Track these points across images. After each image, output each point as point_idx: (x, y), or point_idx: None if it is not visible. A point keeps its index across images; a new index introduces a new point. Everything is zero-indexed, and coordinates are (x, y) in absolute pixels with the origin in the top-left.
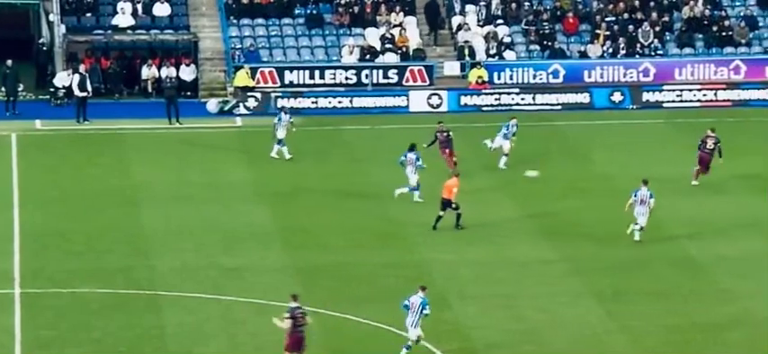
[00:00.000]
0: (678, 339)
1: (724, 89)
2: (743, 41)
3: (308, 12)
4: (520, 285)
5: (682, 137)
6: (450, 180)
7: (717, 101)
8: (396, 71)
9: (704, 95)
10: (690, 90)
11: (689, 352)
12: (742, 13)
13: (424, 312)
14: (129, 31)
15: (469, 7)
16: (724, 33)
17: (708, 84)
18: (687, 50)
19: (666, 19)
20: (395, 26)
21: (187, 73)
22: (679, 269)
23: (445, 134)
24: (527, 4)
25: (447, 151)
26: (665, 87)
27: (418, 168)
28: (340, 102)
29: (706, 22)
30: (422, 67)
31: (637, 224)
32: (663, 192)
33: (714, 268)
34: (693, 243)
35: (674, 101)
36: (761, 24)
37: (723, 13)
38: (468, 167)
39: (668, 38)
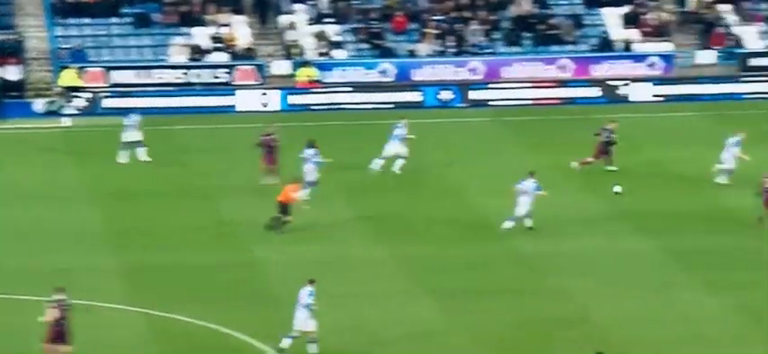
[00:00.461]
0: (517, 336)
1: (551, 87)
2: (569, 39)
3: (136, 11)
4: (355, 284)
5: (510, 134)
6: (290, 184)
7: (545, 98)
8: (225, 70)
9: (532, 93)
10: (518, 88)
11: (528, 350)
12: (568, 12)
13: (310, 302)
14: None
15: (298, 6)
16: (551, 31)
17: (535, 81)
18: (515, 49)
19: (494, 17)
20: (223, 25)
21: (13, 73)
22: (516, 267)
23: (270, 138)
24: (356, 2)
25: (270, 158)
26: (492, 85)
27: (318, 165)
28: (169, 102)
29: (533, 21)
30: (251, 66)
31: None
32: (491, 190)
33: (551, 265)
34: (529, 240)
35: (502, 100)
36: (587, 22)
37: (550, 12)
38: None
39: (496, 36)
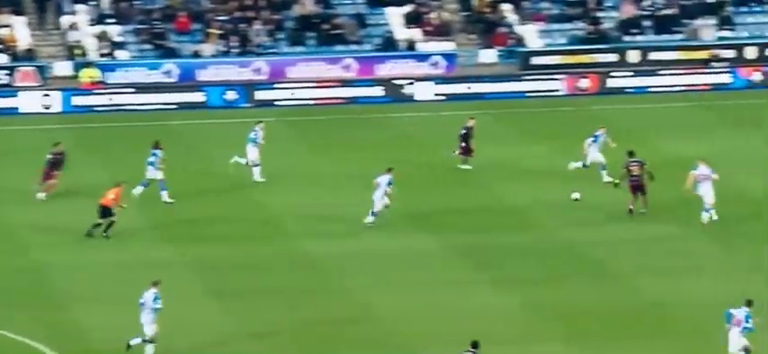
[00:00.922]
0: (301, 336)
1: (336, 87)
2: (353, 39)
3: None
4: (140, 287)
5: (295, 134)
6: (113, 188)
7: (329, 98)
8: (5, 72)
9: (317, 93)
10: (302, 88)
11: (312, 349)
12: (352, 11)
13: (155, 306)
14: None
15: (79, 7)
16: (335, 31)
17: (320, 81)
18: (299, 48)
19: (278, 17)
20: (3, 26)
21: None
22: (298, 267)
23: (56, 156)
24: (138, 3)
25: (53, 173)
26: (278, 85)
27: (152, 166)
28: None
29: (317, 21)
30: (32, 68)
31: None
32: (276, 190)
33: (335, 264)
34: (315, 240)
35: (287, 99)
36: (370, 22)
37: (333, 12)
38: (81, 164)
39: (280, 36)
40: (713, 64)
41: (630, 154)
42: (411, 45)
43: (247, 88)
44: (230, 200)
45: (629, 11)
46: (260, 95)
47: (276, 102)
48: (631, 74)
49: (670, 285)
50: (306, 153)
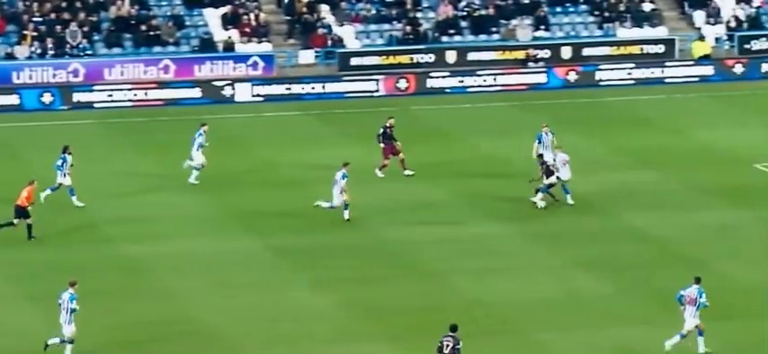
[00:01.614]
0: (119, 338)
1: (154, 88)
2: (171, 40)
3: None
4: None
5: (115, 136)
6: (26, 187)
7: (148, 100)
8: None
9: (135, 95)
10: (120, 90)
11: (128, 351)
12: (169, 13)
13: (72, 306)
14: None
15: None
16: (152, 32)
17: (138, 83)
18: (116, 50)
19: (94, 19)
20: None
21: None
22: (117, 269)
23: None
24: None
25: None
26: (95, 87)
27: (60, 170)
28: None
29: (134, 22)
30: None
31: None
32: (94, 193)
33: (156, 266)
34: (131, 242)
35: (105, 102)
36: (188, 23)
37: (150, 13)
38: None
39: (97, 38)
40: (530, 64)
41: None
42: (229, 46)
43: (64, 90)
44: (47, 203)
45: (446, 12)
46: (77, 97)
47: (94, 105)
48: (449, 74)
49: (488, 283)
50: (125, 155)
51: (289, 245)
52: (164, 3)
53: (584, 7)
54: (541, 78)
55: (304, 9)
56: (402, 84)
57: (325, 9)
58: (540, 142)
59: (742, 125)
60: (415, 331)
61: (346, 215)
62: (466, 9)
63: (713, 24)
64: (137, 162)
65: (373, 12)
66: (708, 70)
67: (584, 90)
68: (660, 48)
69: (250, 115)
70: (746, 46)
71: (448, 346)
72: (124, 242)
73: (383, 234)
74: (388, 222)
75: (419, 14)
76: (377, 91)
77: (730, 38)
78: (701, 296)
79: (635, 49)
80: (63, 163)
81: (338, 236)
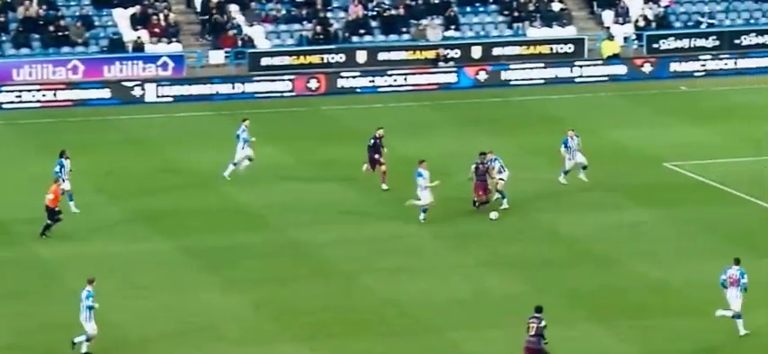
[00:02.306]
0: (29, 341)
1: (63, 89)
2: (80, 41)
3: None
4: None
5: (24, 138)
6: (52, 187)
7: (57, 101)
8: None
9: (43, 96)
10: (29, 91)
11: (39, 352)
12: (78, 13)
13: (88, 303)
14: None
15: None
16: (61, 33)
17: (46, 84)
18: (24, 51)
19: (2, 19)
20: None
21: None
22: (27, 271)
23: None
24: None
25: None
26: (3, 88)
27: (59, 176)
28: None
29: (42, 22)
30: None
31: None
32: (6, 196)
33: (63, 268)
34: (47, 244)
35: (13, 103)
36: (97, 24)
37: (59, 13)
38: None
39: (4, 38)
40: (440, 63)
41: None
42: (138, 46)
43: None
44: None
45: (356, 12)
46: None
47: (2, 106)
48: (360, 74)
49: (400, 283)
50: (34, 156)
51: (200, 246)
52: (72, 3)
53: (493, 7)
54: (452, 78)
55: (213, 9)
56: (313, 84)
57: (234, 9)
58: (566, 146)
59: (652, 124)
60: (327, 331)
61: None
62: (376, 9)
63: (622, 24)
64: (46, 163)
65: (283, 12)
66: (617, 69)
67: (495, 89)
68: (570, 48)
69: (160, 115)
70: (655, 45)
71: (533, 327)
72: (34, 243)
73: (295, 234)
74: (299, 222)
75: (329, 14)
76: (287, 91)
77: (639, 37)
78: (743, 277)
79: (545, 49)
80: (61, 169)
81: (250, 237)
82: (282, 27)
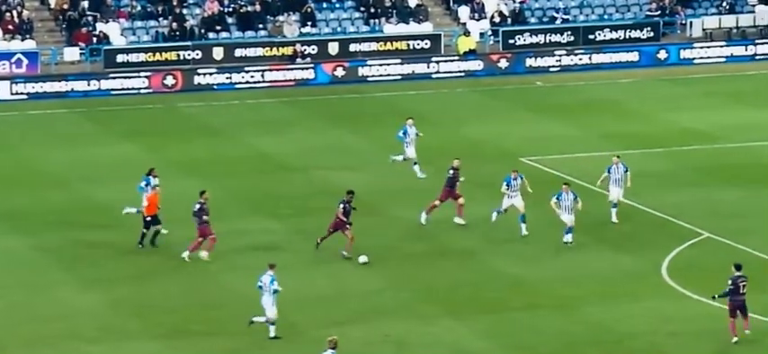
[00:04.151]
0: None
1: None
2: None
3: None
4: None
5: None
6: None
7: None
8: None
9: None
10: None
11: None
12: None
13: (274, 287)
14: None
15: None
16: None
17: None
18: None
19: None
20: None
21: None
22: None
23: None
24: None
25: None
26: None
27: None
28: None
29: None
30: None
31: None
32: None
33: None
34: None
35: None
36: None
37: None
38: None
39: None
40: (297, 60)
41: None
42: None
43: None
44: None
45: (212, 8)
46: None
47: None
48: (217, 70)
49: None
50: None
51: (55, 244)
52: None
53: (350, 3)
54: (309, 74)
55: (66, 5)
56: (169, 80)
57: (89, 5)
58: (609, 172)
59: (508, 119)
60: (185, 328)
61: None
62: (232, 5)
63: (478, 20)
64: None
65: (139, 8)
66: (473, 65)
67: (352, 85)
68: (426, 44)
69: (14, 113)
70: (510, 41)
71: (743, 285)
72: None
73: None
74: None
75: (185, 11)
76: (144, 88)
77: (495, 33)
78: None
79: (401, 45)
80: (147, 185)
81: (107, 234)
82: (138, 23)
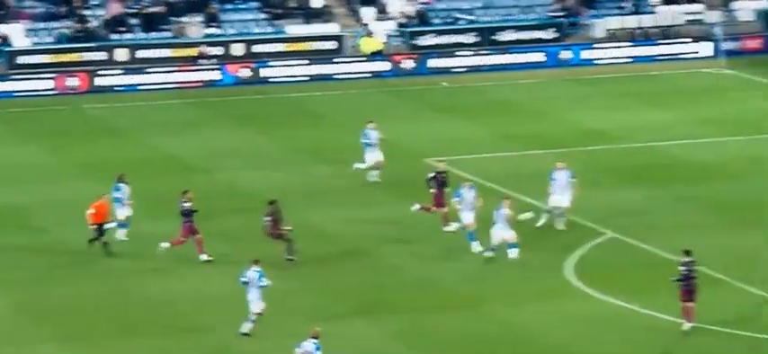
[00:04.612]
0: None
1: None
2: None
3: None
4: None
5: None
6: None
7: None
8: None
9: None
10: None
11: None
12: None
13: (262, 283)
14: None
15: None
16: None
17: None
18: None
19: None
20: None
21: None
22: None
23: None
24: None
25: None
26: None
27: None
28: None
29: None
30: None
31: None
32: None
33: None
34: None
35: None
36: None
37: None
38: None
39: None
40: (202, 61)
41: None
42: None
43: None
44: None
45: (115, 9)
46: None
47: None
48: (121, 72)
49: (167, 282)
50: None
51: None
52: None
53: (254, 4)
54: (215, 75)
55: None
56: (72, 82)
57: None
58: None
59: (413, 120)
60: (95, 332)
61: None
62: (136, 6)
63: (383, 20)
64: None
65: (41, 9)
66: (379, 66)
67: (257, 86)
68: (331, 45)
69: None
70: (415, 42)
71: (693, 270)
72: None
73: (58, 234)
74: (62, 221)
75: (88, 12)
76: (47, 89)
77: (400, 34)
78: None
79: (306, 46)
80: (117, 191)
81: (10, 237)
82: (41, 24)
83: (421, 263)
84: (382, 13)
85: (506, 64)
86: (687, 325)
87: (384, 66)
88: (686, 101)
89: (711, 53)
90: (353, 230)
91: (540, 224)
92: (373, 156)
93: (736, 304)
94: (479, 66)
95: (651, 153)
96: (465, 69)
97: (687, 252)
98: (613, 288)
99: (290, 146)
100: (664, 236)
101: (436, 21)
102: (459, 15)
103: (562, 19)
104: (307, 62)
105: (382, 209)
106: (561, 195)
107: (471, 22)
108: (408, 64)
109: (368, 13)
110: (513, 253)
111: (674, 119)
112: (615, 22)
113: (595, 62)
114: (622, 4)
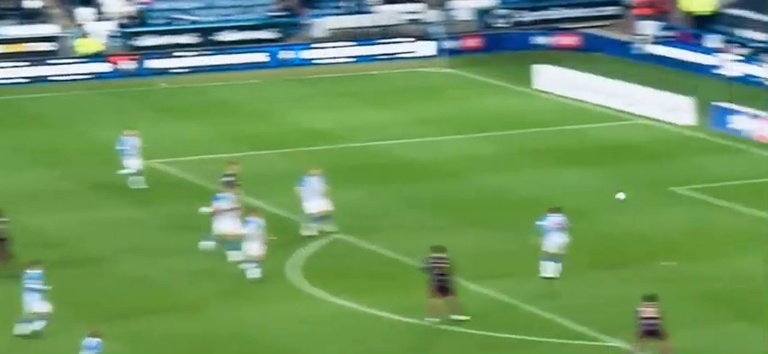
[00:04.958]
0: None
1: None
2: None
3: None
4: None
5: None
6: None
7: None
8: None
9: None
10: None
11: None
12: None
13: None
14: None
15: None
16: None
17: None
18: None
19: None
20: None
21: None
22: None
23: None
24: None
25: None
26: None
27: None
28: None
29: None
30: None
31: None
32: None
33: None
34: None
35: None
36: None
37: None
38: None
39: None
40: None
41: None
42: None
43: None
44: None
45: None
46: None
47: None
48: None
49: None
50: None
51: None
52: None
53: None
54: None
55: None
56: None
57: None
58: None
59: (135, 121)
60: None
61: None
62: None
63: (102, 21)
64: None
65: None
66: (99, 67)
67: None
68: (51, 46)
69: None
70: (135, 42)
71: (442, 266)
72: None
73: None
74: None
75: None
76: None
77: (119, 35)
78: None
79: (23, 47)
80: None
81: None
82: None
83: (149, 265)
84: (101, 14)
85: (228, 64)
86: (434, 320)
87: (104, 67)
88: (407, 101)
89: (432, 52)
90: (79, 233)
91: (308, 233)
92: (134, 163)
93: (463, 302)
94: (200, 66)
95: (372, 152)
96: (186, 70)
97: (435, 248)
98: (339, 288)
99: (8, 149)
100: (384, 236)
101: (156, 21)
102: (179, 16)
103: (283, 19)
104: (23, 63)
105: (111, 212)
106: (318, 200)
107: (192, 22)
108: (128, 65)
109: (85, 13)
110: (234, 255)
111: (394, 118)
112: (336, 22)
113: (316, 62)
114: (342, 4)
